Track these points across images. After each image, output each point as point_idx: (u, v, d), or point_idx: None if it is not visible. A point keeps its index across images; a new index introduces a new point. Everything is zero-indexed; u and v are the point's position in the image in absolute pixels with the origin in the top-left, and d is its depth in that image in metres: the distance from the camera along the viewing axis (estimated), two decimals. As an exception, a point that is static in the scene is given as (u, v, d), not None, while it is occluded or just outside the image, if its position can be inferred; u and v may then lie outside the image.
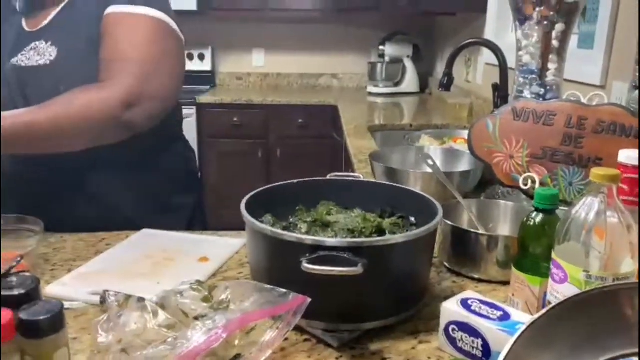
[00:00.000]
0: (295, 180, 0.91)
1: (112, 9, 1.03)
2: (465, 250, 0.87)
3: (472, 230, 0.88)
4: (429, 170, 1.07)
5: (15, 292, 0.58)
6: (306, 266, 0.62)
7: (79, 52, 1.03)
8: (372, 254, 0.65)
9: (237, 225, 1.10)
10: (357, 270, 0.61)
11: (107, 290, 0.70)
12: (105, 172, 1.11)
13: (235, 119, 3.38)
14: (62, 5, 1.08)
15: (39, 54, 1.04)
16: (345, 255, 0.64)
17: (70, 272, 0.88)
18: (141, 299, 0.68)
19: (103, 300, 0.69)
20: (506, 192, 1.13)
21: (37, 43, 1.05)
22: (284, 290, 0.66)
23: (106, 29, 1.03)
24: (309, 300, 0.64)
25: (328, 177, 0.95)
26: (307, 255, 0.65)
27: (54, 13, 1.08)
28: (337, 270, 0.61)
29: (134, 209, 1.14)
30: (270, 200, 0.86)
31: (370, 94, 3.61)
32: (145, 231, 1.04)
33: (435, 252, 0.84)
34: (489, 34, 2.44)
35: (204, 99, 3.40)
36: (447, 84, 1.80)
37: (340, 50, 3.98)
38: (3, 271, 0.68)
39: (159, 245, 0.98)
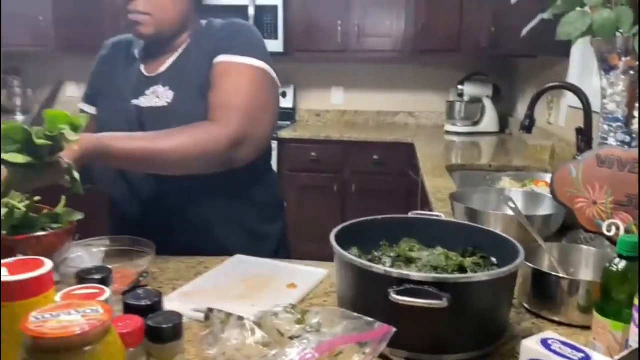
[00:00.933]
0: (379, 217, 0.97)
1: (220, 59, 1.17)
2: (545, 293, 0.88)
3: (554, 273, 0.89)
4: (510, 212, 1.09)
5: (143, 303, 0.68)
6: (394, 297, 0.68)
7: (190, 96, 1.18)
8: (455, 289, 0.69)
9: (312, 255, 1.19)
10: (443, 303, 0.66)
11: (211, 308, 0.78)
12: (204, 200, 1.23)
13: (313, 154, 3.51)
14: (178, 54, 1.24)
15: (158, 97, 1.20)
16: (430, 289, 0.69)
17: (175, 290, 0.98)
18: (240, 318, 0.76)
19: (207, 317, 0.78)
20: (589, 237, 1.13)
21: (156, 87, 1.21)
22: (371, 319, 0.71)
23: (215, 77, 1.17)
24: (394, 330, 0.69)
25: (410, 214, 1.01)
26: (394, 287, 0.70)
27: (170, 61, 1.24)
28: (424, 302, 0.66)
29: (226, 235, 1.25)
30: (356, 234, 0.93)
31: (448, 132, 3.62)
32: (239, 257, 1.14)
33: (515, 294, 0.87)
34: (572, 77, 2.42)
35: (285, 134, 3.56)
36: (528, 125, 1.81)
37: (418, 89, 4.04)
38: (131, 285, 0.79)
39: (251, 270, 1.07)
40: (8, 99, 3.98)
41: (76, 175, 0.93)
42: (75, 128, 0.90)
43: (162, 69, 1.23)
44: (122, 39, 1.34)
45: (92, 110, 1.31)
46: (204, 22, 1.27)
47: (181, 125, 1.11)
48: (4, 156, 0.86)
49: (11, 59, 4.08)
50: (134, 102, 1.22)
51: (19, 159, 0.86)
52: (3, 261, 0.68)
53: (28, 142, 0.87)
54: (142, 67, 1.26)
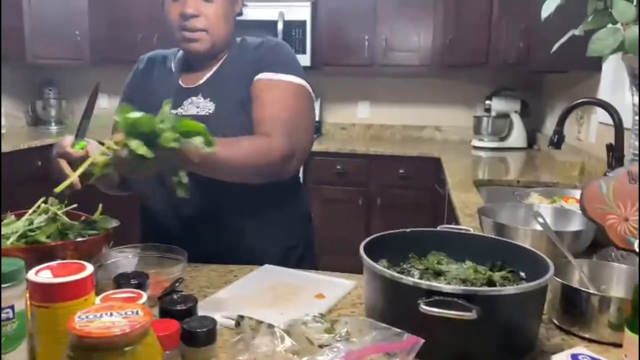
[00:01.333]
0: (408, 229, 0.98)
1: (262, 76, 1.22)
2: (576, 309, 0.88)
3: (584, 289, 0.89)
4: (539, 227, 1.09)
5: (179, 308, 0.70)
6: (424, 308, 0.68)
7: (232, 107, 1.23)
8: (485, 302, 0.70)
9: (335, 267, 1.21)
10: (472, 315, 0.66)
11: (242, 315, 0.80)
12: (239, 210, 1.26)
13: (338, 167, 3.53)
14: (215, 68, 1.28)
15: (197, 107, 1.24)
16: (460, 301, 0.69)
17: (206, 297, 1.00)
18: (271, 325, 0.77)
19: (238, 324, 0.80)
20: (619, 255, 1.12)
21: (194, 98, 1.26)
22: (399, 330, 0.72)
23: (258, 92, 1.22)
24: (422, 341, 0.70)
25: (438, 228, 1.01)
26: (423, 298, 0.71)
27: (208, 74, 1.28)
28: (453, 313, 0.67)
29: (257, 245, 1.27)
30: (384, 246, 0.94)
31: (475, 147, 3.61)
32: (267, 266, 1.16)
33: (545, 309, 0.86)
34: (603, 93, 2.39)
35: (311, 146, 3.58)
36: (557, 141, 1.80)
37: (445, 103, 4.04)
38: (166, 291, 0.81)
39: (280, 279, 1.08)
40: (43, 109, 4.11)
41: (184, 178, 0.94)
42: (208, 143, 0.92)
43: (201, 81, 1.28)
44: (157, 53, 1.40)
45: None
46: (237, 38, 1.32)
47: (224, 134, 1.14)
48: (131, 143, 0.88)
49: (46, 71, 4.22)
50: (173, 112, 1.25)
51: (141, 150, 0.87)
52: (47, 264, 0.72)
53: (151, 135, 0.88)
54: (180, 80, 1.31)
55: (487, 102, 3.64)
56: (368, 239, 0.92)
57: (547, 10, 1.24)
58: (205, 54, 1.25)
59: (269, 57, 1.24)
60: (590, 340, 0.86)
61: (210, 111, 1.23)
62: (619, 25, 1.12)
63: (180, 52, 1.34)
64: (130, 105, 1.33)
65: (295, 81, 1.23)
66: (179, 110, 1.25)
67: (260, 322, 0.78)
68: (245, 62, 1.25)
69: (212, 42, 1.23)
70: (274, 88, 1.21)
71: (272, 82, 1.22)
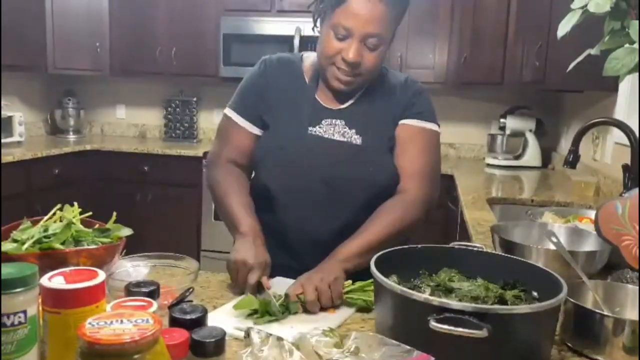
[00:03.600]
0: (419, 245, 0.98)
1: (409, 122, 1.27)
2: (589, 331, 0.86)
3: (598, 311, 0.87)
4: (552, 247, 1.08)
5: (188, 317, 0.70)
6: (434, 325, 0.68)
7: (379, 146, 1.25)
8: (496, 321, 0.69)
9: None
10: (483, 333, 0.66)
11: (252, 327, 0.80)
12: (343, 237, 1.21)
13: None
14: (356, 96, 1.28)
15: (339, 133, 1.25)
16: (470, 319, 0.69)
17: (216, 308, 1.00)
18: (280, 338, 0.77)
19: (247, 335, 0.80)
20: (635, 276, 1.10)
21: (335, 121, 1.26)
22: (409, 347, 0.71)
23: (404, 139, 1.26)
24: (433, 359, 0.69)
25: (451, 245, 1.01)
26: (434, 315, 0.70)
27: (349, 101, 1.27)
28: (464, 331, 0.66)
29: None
30: (395, 262, 0.93)
31: (489, 165, 3.59)
32: (279, 279, 1.16)
33: (557, 330, 0.85)
34: (619, 113, 2.37)
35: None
36: (572, 161, 1.78)
37: (459, 120, 4.03)
38: (176, 300, 0.82)
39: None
40: (62, 118, 4.17)
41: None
42: None
43: (343, 106, 1.27)
44: (287, 57, 1.34)
45: (254, 129, 1.29)
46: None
47: (371, 169, 1.22)
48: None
49: (67, 81, 4.30)
50: (311, 129, 1.25)
51: None
52: (60, 270, 0.72)
53: None
54: (317, 95, 1.28)
55: (502, 120, 3.63)
56: (379, 254, 0.91)
57: (563, 29, 1.23)
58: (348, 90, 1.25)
59: (419, 104, 1.28)
60: (603, 363, 0.85)
61: (358, 143, 1.24)
62: (635, 45, 1.11)
63: (312, 61, 1.32)
64: (260, 112, 1.29)
65: (435, 129, 1.29)
66: (317, 128, 1.25)
67: (269, 335, 0.78)
68: (392, 102, 1.27)
69: (361, 84, 1.24)
70: (419, 136, 1.27)
71: (418, 130, 1.27)
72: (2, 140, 3.49)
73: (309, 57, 1.35)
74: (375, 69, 1.22)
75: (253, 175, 1.34)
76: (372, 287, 1.01)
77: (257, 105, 1.29)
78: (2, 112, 3.57)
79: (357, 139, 1.24)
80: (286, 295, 1.01)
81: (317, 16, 1.23)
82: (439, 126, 1.31)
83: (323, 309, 1.01)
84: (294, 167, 1.23)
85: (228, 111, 1.33)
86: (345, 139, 1.24)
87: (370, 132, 1.25)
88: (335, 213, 1.23)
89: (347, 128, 1.25)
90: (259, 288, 1.06)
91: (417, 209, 1.23)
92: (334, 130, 1.25)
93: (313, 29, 1.27)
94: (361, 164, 1.22)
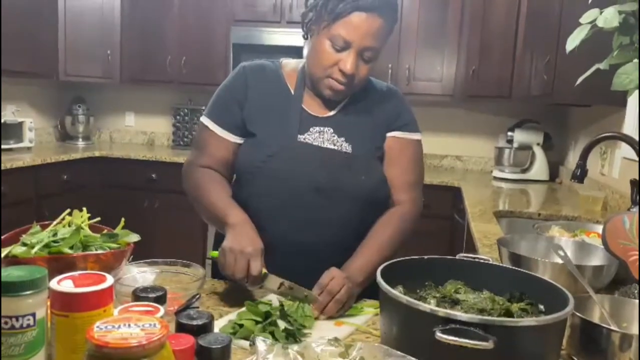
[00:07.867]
0: (426, 257, 0.98)
1: (397, 134, 1.31)
2: (595, 346, 0.86)
3: (605, 325, 0.87)
4: (559, 261, 1.07)
5: (194, 323, 0.70)
6: (440, 336, 0.68)
7: (369, 155, 1.28)
8: (502, 333, 0.69)
9: None
10: (488, 345, 0.66)
11: (257, 336, 0.80)
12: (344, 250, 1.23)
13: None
14: (342, 104, 1.29)
15: (328, 140, 1.26)
16: (476, 330, 0.69)
17: (222, 316, 1.00)
18: (285, 347, 0.77)
19: (252, 344, 0.80)
20: (643, 292, 1.09)
21: (322, 128, 1.26)
22: (414, 359, 0.71)
23: (393, 150, 1.30)
24: (437, 370, 0.69)
25: (457, 256, 1.00)
26: (440, 326, 0.70)
27: (336, 108, 1.29)
28: (470, 342, 0.66)
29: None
30: (401, 273, 0.93)
31: (496, 178, 3.58)
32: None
33: (563, 345, 0.85)
34: (627, 128, 2.37)
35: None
36: (580, 175, 1.78)
37: (466, 133, 4.03)
38: (183, 306, 0.82)
39: (295, 302, 1.08)
40: (72, 125, 4.21)
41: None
42: None
43: (330, 113, 1.28)
44: (265, 64, 1.33)
45: (232, 138, 1.27)
46: None
47: (364, 178, 1.24)
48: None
49: (77, 88, 4.34)
50: (300, 137, 1.25)
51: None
52: (69, 274, 0.73)
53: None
54: (303, 104, 1.28)
55: (510, 133, 3.63)
56: (385, 264, 0.91)
57: (572, 43, 1.24)
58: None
59: (404, 115, 1.33)
60: (610, 379, 0.84)
61: (349, 151, 1.25)
62: (644, 61, 1.12)
63: (293, 68, 1.33)
64: (244, 122, 1.28)
65: (419, 138, 1.36)
66: (307, 136, 1.25)
67: (274, 343, 0.78)
68: (376, 110, 1.30)
69: (350, 92, 1.26)
70: (408, 148, 1.32)
71: (406, 142, 1.32)
72: (13, 146, 3.53)
73: (289, 64, 1.36)
74: (366, 77, 1.25)
75: (237, 185, 1.29)
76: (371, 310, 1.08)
77: (237, 113, 1.27)
78: (13, 118, 3.61)
79: (347, 147, 1.25)
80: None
81: (311, 25, 1.24)
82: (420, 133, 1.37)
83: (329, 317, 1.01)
84: (285, 174, 1.21)
85: (205, 120, 1.30)
86: (336, 147, 1.25)
87: (358, 140, 1.26)
88: (326, 221, 1.22)
89: (336, 136, 1.26)
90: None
91: (412, 222, 1.31)
92: (324, 138, 1.25)
93: (304, 37, 1.28)
94: (353, 172, 1.23)
